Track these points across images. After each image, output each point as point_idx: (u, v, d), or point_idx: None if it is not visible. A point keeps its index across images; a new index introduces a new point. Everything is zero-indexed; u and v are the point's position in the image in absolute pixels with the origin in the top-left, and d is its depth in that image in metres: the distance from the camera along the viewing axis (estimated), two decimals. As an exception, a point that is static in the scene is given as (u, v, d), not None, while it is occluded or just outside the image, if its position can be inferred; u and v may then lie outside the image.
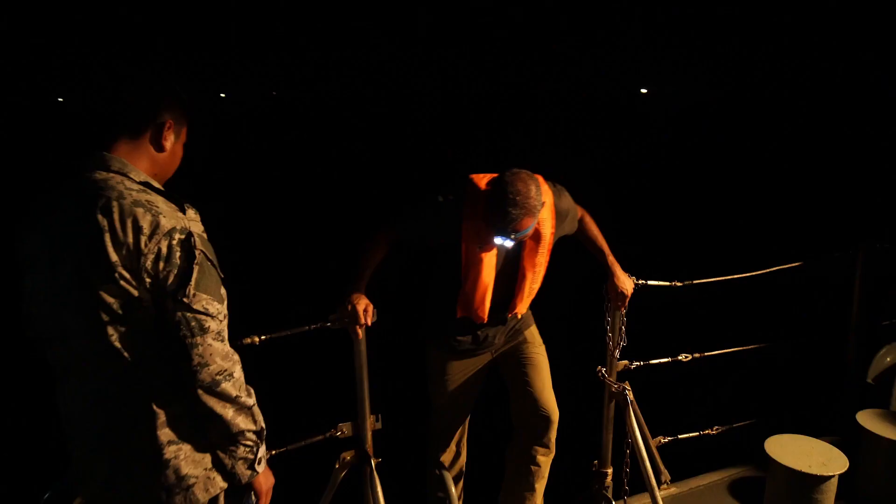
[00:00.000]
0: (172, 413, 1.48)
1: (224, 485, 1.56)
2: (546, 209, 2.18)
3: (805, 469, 2.44)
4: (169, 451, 1.47)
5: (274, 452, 2.26)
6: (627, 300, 2.59)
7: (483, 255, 2.16)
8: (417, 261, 2.52)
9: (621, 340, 2.72)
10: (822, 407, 3.49)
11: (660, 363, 2.92)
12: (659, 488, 2.75)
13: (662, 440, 3.02)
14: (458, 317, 2.31)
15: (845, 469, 2.44)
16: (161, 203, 1.45)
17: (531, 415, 2.49)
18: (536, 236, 2.22)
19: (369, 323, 2.18)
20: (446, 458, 2.67)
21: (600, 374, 2.78)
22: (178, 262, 1.41)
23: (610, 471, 2.93)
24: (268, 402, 1.64)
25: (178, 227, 1.43)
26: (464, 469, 2.81)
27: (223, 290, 1.53)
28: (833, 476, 2.44)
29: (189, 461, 1.49)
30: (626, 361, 2.82)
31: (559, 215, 2.27)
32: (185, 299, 1.41)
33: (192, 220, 1.49)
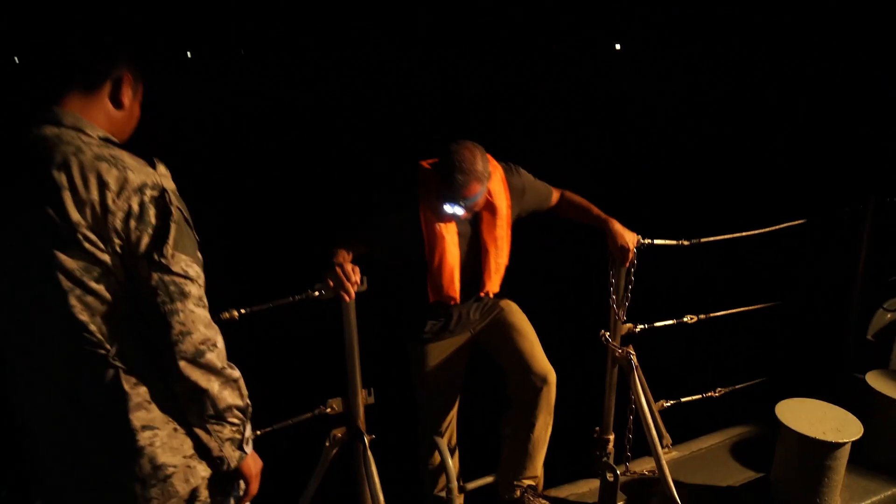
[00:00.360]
0: (146, 394, 1.31)
1: (206, 473, 1.39)
2: (497, 182, 2.23)
3: (819, 436, 2.34)
4: (143, 438, 1.30)
5: (259, 433, 2.09)
6: (631, 254, 2.44)
7: (444, 233, 2.18)
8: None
9: (626, 300, 2.57)
10: (825, 367, 3.40)
11: (665, 325, 2.78)
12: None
13: (665, 404, 2.91)
14: (430, 302, 2.30)
15: (860, 435, 2.35)
16: (127, 157, 1.28)
17: (525, 379, 2.41)
18: (491, 209, 2.24)
19: (358, 282, 2.02)
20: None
21: (603, 338, 2.63)
22: (153, 220, 1.25)
23: (612, 437, 2.82)
24: (252, 380, 1.47)
25: (150, 183, 1.26)
26: (457, 449, 2.70)
27: (199, 255, 1.36)
28: (847, 443, 2.34)
29: (166, 448, 1.33)
30: (630, 324, 2.67)
31: (513, 190, 2.30)
32: (162, 260, 1.25)
33: (164, 176, 1.32)
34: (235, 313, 1.93)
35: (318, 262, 2.04)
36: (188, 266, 1.30)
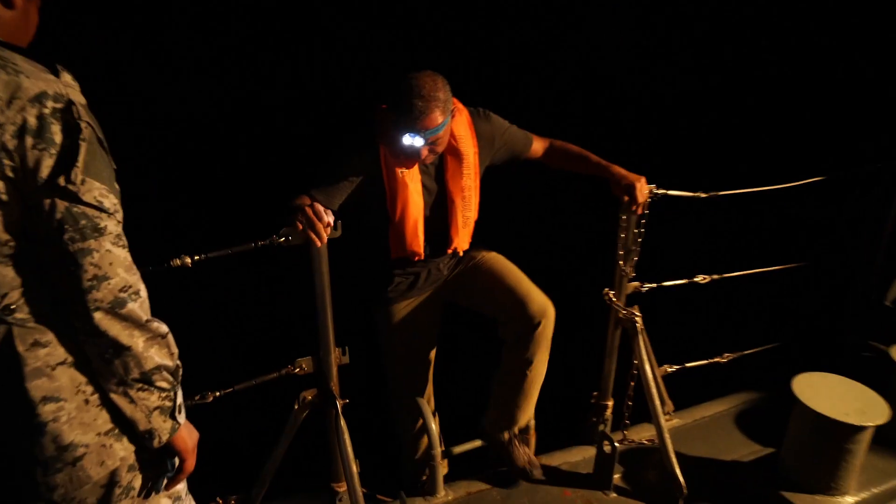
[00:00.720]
0: (48, 356, 1.06)
1: (127, 452, 1.15)
2: (462, 125, 2.03)
3: (841, 417, 2.12)
4: (45, 412, 1.05)
5: (219, 394, 1.86)
6: (641, 197, 2.14)
7: (407, 181, 1.97)
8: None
9: (634, 256, 2.31)
10: (841, 335, 3.18)
11: (675, 285, 2.53)
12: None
13: (669, 369, 2.69)
14: (393, 258, 2.11)
15: (888, 419, 2.12)
16: (21, 61, 1.01)
17: (521, 315, 2.15)
18: (457, 155, 2.04)
19: (330, 223, 1.76)
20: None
21: (607, 297, 2.39)
22: (56, 138, 1.00)
23: (611, 403, 2.61)
24: (210, 338, 1.22)
25: (52, 93, 1.00)
26: (436, 413, 2.49)
27: (116, 185, 1.10)
28: (871, 426, 2.12)
29: (75, 424, 1.08)
30: (637, 283, 2.42)
31: (481, 136, 2.08)
32: (70, 187, 1.00)
33: (71, 87, 1.05)
34: (188, 260, 1.66)
35: (282, 209, 1.77)
36: (103, 196, 1.03)
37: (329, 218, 1.76)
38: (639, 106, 5.22)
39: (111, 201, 1.04)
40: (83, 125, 1.01)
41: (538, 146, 2.26)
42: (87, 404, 1.09)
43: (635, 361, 2.43)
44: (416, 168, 1.99)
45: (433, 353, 2.41)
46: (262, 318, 3.66)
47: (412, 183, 1.99)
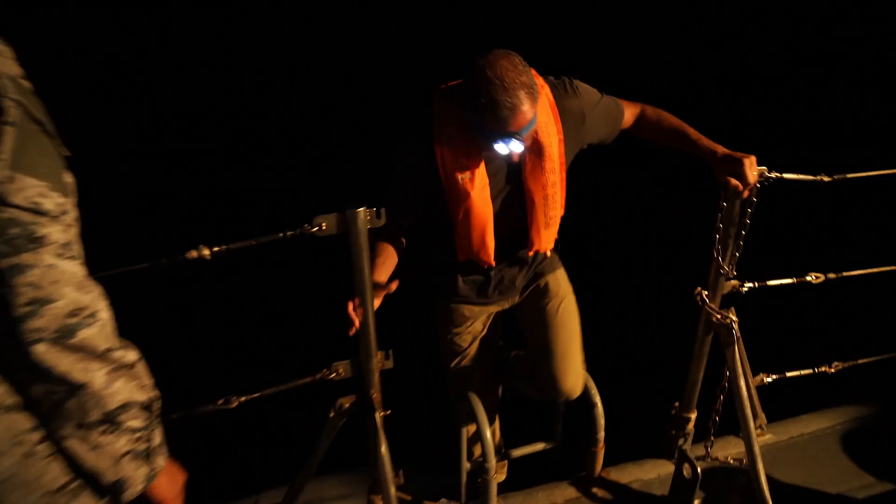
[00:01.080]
0: None
1: None
2: (544, 109, 1.64)
3: None
4: None
5: (244, 399, 1.64)
6: (751, 179, 1.72)
7: (468, 187, 1.65)
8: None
9: (735, 251, 1.93)
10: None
11: (782, 285, 2.13)
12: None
13: (766, 379, 2.31)
14: (460, 261, 1.85)
15: None
16: None
17: (547, 386, 2.04)
18: (537, 147, 1.67)
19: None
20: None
21: (699, 297, 2.02)
22: None
23: (694, 416, 2.26)
24: (229, 337, 0.97)
25: None
26: (498, 416, 2.27)
27: (68, 176, 0.87)
28: None
29: (14, 484, 0.86)
30: (735, 282, 2.04)
31: (568, 117, 1.70)
32: None
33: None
34: (206, 252, 1.42)
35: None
36: (42, 196, 0.79)
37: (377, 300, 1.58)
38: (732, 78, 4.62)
39: (54, 201, 0.79)
40: (9, 104, 0.75)
41: (629, 115, 1.88)
42: (31, 458, 0.87)
43: (728, 373, 2.07)
44: (482, 169, 1.67)
45: (495, 352, 2.16)
46: (300, 316, 3.44)
47: (476, 190, 1.67)
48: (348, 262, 1.53)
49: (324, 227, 1.47)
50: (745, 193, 1.78)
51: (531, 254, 1.89)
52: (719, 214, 1.86)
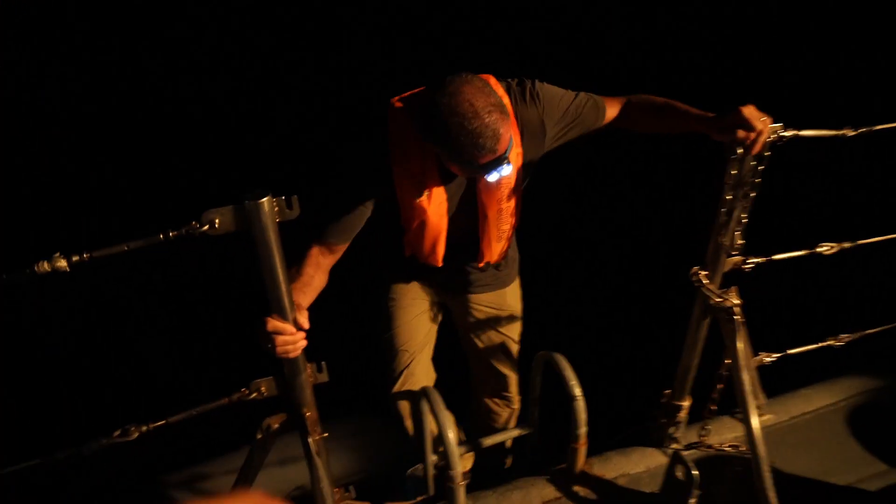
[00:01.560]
0: None
1: None
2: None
3: None
4: None
5: (146, 429, 1.34)
6: (764, 131, 1.43)
7: (425, 206, 1.61)
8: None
9: (740, 221, 1.62)
10: None
11: (789, 258, 1.83)
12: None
13: (767, 359, 2.04)
14: (406, 255, 1.83)
15: None
16: None
17: (486, 378, 2.19)
18: None
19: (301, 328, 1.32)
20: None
21: (696, 277, 1.72)
22: None
23: (687, 403, 2.01)
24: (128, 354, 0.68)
25: None
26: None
27: None
28: None
29: None
30: (739, 258, 1.74)
31: (526, 126, 1.60)
32: None
33: None
34: (62, 262, 1.09)
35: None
36: None
37: (301, 318, 1.31)
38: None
39: None
40: None
41: (612, 111, 1.70)
42: None
43: (727, 361, 1.80)
44: (440, 189, 1.61)
45: (431, 343, 2.14)
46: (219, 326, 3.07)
47: (432, 207, 1.62)
48: (256, 268, 1.21)
49: (217, 225, 1.13)
50: (757, 147, 1.46)
51: (481, 265, 1.87)
52: (724, 182, 1.54)
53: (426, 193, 1.59)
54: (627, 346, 2.16)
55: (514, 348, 2.15)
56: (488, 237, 1.76)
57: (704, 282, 1.71)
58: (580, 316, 2.68)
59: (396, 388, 2.06)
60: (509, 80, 1.61)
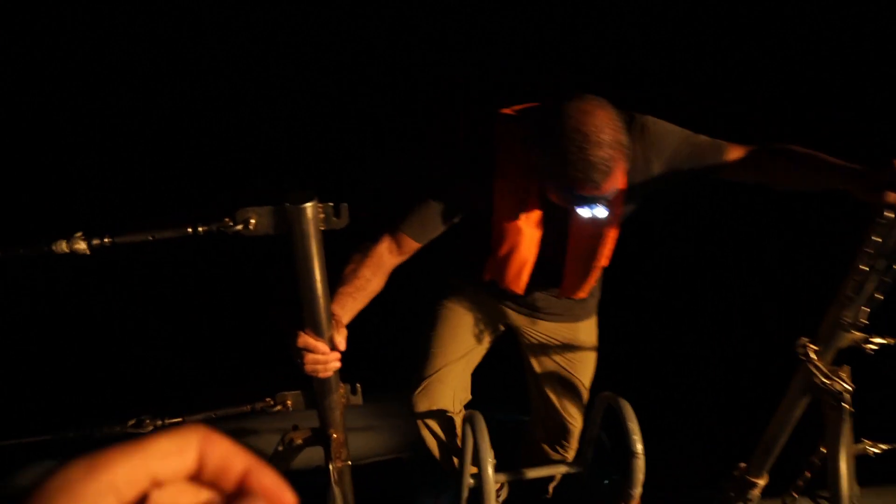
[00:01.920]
0: None
1: None
2: None
3: None
4: None
5: (160, 423, 1.25)
6: None
7: (522, 226, 1.50)
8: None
9: (875, 292, 1.34)
10: None
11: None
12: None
13: (872, 449, 1.74)
14: (484, 279, 1.70)
15: None
16: None
17: (546, 418, 2.02)
18: None
19: (337, 347, 1.16)
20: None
21: (802, 349, 1.46)
22: None
23: (762, 482, 1.75)
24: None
25: None
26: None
27: None
28: None
29: None
30: (860, 335, 1.45)
31: (633, 166, 1.43)
32: None
33: None
34: (82, 245, 0.98)
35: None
36: None
37: (338, 337, 1.15)
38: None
39: None
40: None
41: (735, 154, 1.47)
42: None
43: (823, 450, 1.53)
44: (539, 213, 1.51)
45: (475, 358, 1.99)
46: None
47: (527, 232, 1.51)
48: (293, 277, 1.06)
49: (252, 226, 1.00)
50: None
51: (561, 298, 1.75)
52: (861, 250, 1.26)
53: (524, 218, 1.48)
54: (703, 404, 1.91)
55: (584, 394, 1.96)
56: (574, 271, 1.64)
57: (813, 357, 1.44)
58: (656, 361, 2.47)
59: (418, 390, 1.93)
60: (621, 111, 1.42)
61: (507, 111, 1.49)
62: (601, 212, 1.33)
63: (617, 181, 1.30)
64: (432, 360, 1.90)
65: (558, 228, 1.56)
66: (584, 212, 1.33)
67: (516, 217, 1.49)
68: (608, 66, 3.77)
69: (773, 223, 3.00)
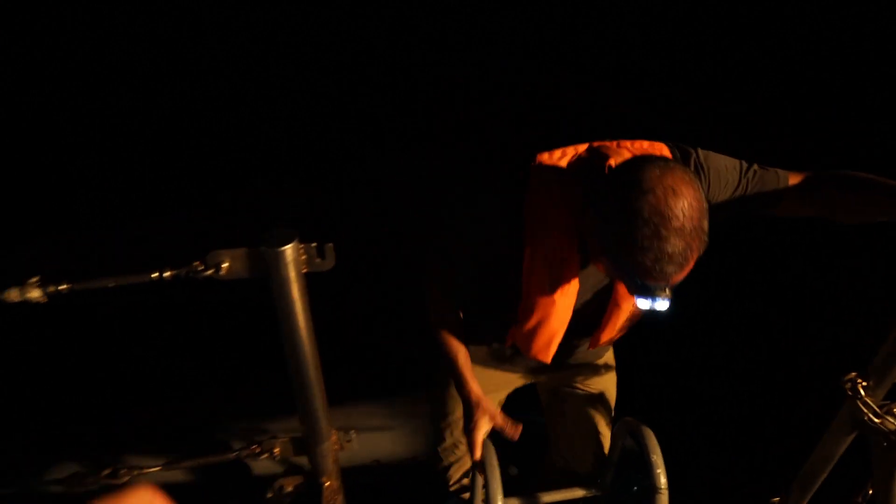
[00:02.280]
0: None
1: None
2: None
3: None
4: None
5: (137, 473, 1.14)
6: None
7: (556, 298, 1.27)
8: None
9: None
10: None
11: None
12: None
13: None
14: (506, 346, 1.52)
15: None
16: None
17: (566, 456, 1.88)
18: None
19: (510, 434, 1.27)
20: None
21: (849, 385, 1.31)
22: None
23: (799, 518, 1.61)
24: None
25: None
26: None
27: None
28: None
29: None
30: (916, 371, 1.30)
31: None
32: None
33: None
34: (36, 293, 0.87)
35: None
36: None
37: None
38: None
39: None
40: None
41: (794, 183, 1.29)
42: None
43: (871, 491, 1.39)
44: (576, 280, 1.29)
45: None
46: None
47: (560, 301, 1.29)
48: (276, 312, 0.94)
49: (224, 270, 0.87)
50: None
51: (591, 349, 1.53)
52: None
53: (560, 289, 1.26)
54: (733, 433, 1.76)
55: (608, 421, 1.81)
56: (611, 329, 1.44)
57: (862, 393, 1.29)
58: (687, 384, 2.32)
59: (444, 464, 1.84)
60: (671, 145, 1.25)
61: (546, 159, 1.24)
62: (663, 305, 1.08)
63: (688, 270, 1.06)
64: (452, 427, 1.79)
65: (595, 286, 1.35)
66: (643, 303, 1.09)
67: (549, 289, 1.28)
68: (608, 66, 3.59)
69: (813, 246, 2.79)
